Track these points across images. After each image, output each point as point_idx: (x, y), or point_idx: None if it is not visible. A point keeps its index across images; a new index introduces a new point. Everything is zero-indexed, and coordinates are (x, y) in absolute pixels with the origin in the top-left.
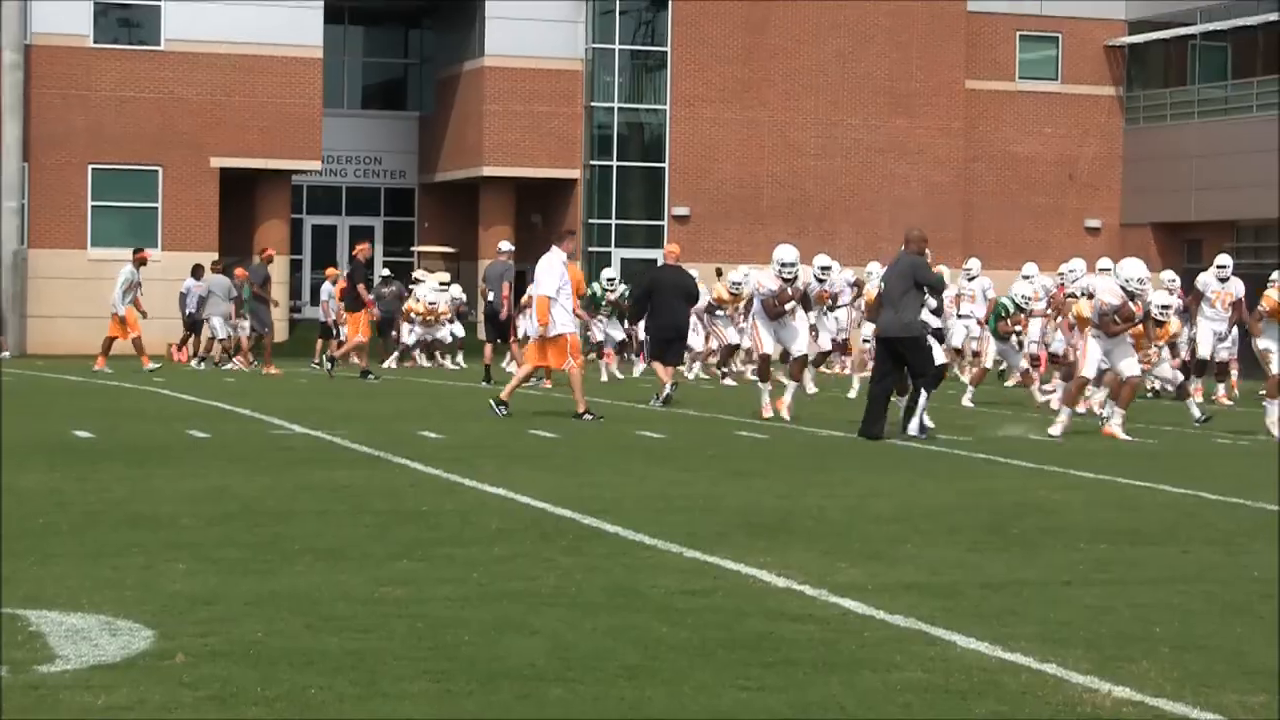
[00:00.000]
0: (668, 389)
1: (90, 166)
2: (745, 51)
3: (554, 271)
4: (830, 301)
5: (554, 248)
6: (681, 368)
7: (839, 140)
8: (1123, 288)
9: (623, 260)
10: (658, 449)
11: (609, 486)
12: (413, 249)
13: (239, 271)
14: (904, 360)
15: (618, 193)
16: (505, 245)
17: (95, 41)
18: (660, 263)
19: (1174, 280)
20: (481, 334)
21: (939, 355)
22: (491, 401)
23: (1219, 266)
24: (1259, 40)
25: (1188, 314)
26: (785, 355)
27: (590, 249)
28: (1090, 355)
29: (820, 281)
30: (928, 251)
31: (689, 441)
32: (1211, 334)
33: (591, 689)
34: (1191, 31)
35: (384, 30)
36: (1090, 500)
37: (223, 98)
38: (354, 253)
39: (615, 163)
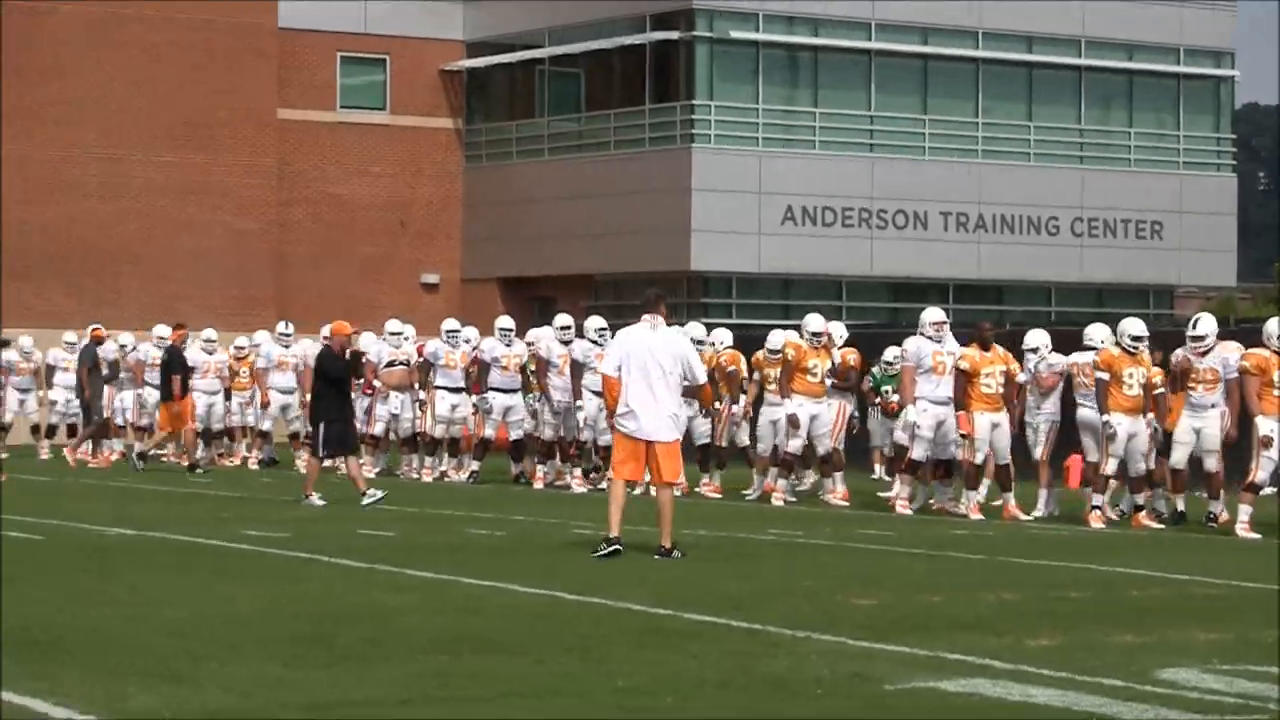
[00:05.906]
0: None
1: None
2: (5, 72)
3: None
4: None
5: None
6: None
7: (124, 180)
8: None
9: None
10: None
11: None
12: None
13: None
14: None
15: None
16: None
17: None
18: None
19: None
20: None
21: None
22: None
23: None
24: (615, 66)
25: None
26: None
27: None
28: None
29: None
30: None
31: None
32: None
33: None
34: (539, 55)
35: None
36: (428, 604)
37: None
38: (172, 341)
39: None
